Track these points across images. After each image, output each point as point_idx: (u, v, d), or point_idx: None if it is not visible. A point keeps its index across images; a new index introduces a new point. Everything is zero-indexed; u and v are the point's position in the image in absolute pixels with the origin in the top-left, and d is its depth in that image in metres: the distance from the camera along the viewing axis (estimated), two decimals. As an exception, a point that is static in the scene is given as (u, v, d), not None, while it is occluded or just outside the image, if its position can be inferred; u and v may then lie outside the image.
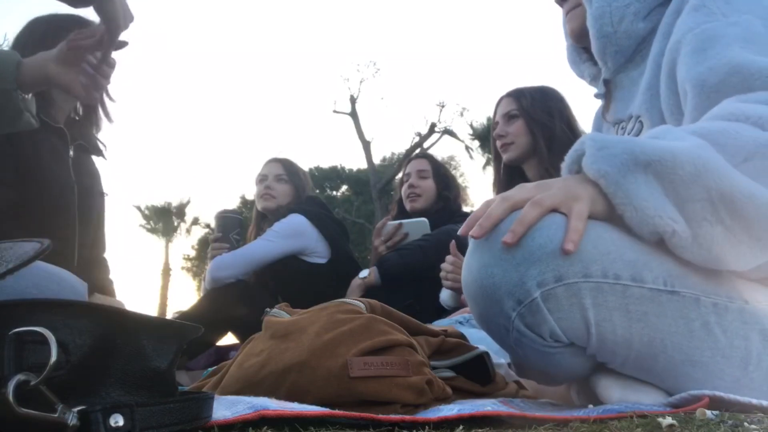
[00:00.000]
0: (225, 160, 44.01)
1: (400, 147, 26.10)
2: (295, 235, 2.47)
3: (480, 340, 1.02)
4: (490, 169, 2.20)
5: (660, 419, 0.61)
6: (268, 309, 0.99)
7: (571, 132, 1.89)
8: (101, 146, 1.71)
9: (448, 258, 1.85)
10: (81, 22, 1.51)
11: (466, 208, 2.60)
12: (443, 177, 2.54)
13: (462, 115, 23.33)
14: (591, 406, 0.75)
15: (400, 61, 41.08)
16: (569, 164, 0.80)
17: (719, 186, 0.70)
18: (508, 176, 1.98)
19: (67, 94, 1.31)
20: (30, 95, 1.17)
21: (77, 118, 1.68)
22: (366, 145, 18.57)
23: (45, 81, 1.16)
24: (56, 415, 0.47)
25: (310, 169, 20.78)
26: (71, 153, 1.59)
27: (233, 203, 23.66)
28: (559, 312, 0.72)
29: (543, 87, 2.01)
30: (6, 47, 1.52)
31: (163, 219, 25.63)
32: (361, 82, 20.15)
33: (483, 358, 0.98)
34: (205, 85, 45.87)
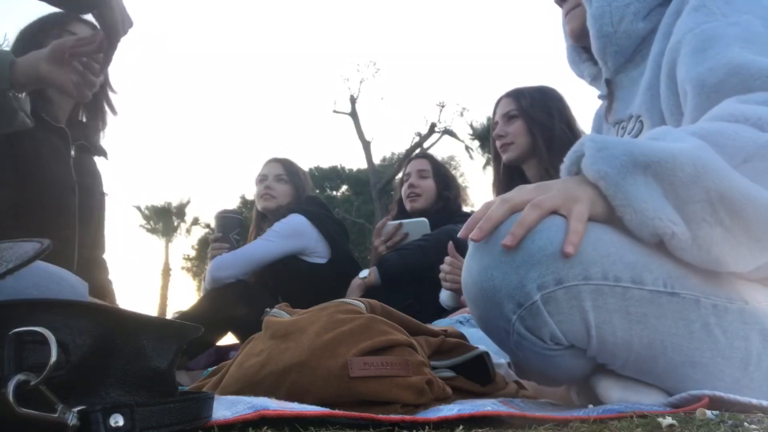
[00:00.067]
0: (225, 160, 44.07)
1: (400, 147, 26.12)
2: (295, 235, 2.47)
3: (480, 340, 1.02)
4: (490, 169, 2.18)
5: (660, 419, 0.61)
6: (268, 309, 0.99)
7: (571, 132, 1.89)
8: (103, 146, 1.71)
9: (447, 259, 1.85)
10: (68, 20, 1.52)
11: (466, 208, 2.60)
12: (443, 177, 2.54)
13: (462, 115, 23.37)
14: (591, 406, 0.75)
15: (400, 61, 41.16)
16: (568, 165, 0.80)
17: (719, 187, 0.70)
18: (507, 176, 1.98)
19: (60, 93, 1.32)
20: (24, 94, 1.17)
21: (84, 120, 1.68)
22: (366, 145, 18.57)
23: (37, 80, 1.17)
24: (56, 415, 0.47)
25: (310, 169, 20.79)
26: (72, 153, 1.59)
27: (233, 203, 23.68)
28: (559, 315, 0.72)
29: (542, 87, 2.01)
30: (6, 47, 1.52)
31: (163, 219, 25.62)
32: (361, 82, 20.18)
33: (483, 358, 0.98)
34: (205, 85, 45.91)
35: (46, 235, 0.74)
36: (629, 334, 0.73)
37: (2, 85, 1.12)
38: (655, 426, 0.60)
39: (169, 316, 3.46)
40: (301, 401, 0.74)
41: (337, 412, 0.66)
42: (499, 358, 1.05)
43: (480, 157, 19.14)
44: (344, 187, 22.69)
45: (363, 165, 19.99)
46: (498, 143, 1.96)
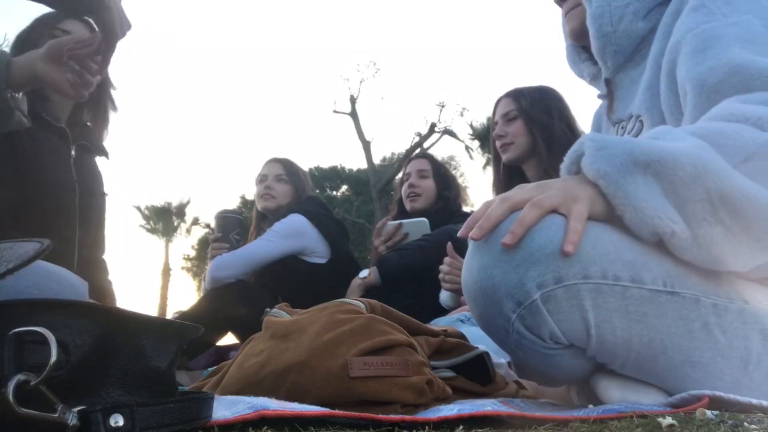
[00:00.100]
0: (225, 160, 44.07)
1: (400, 147, 26.13)
2: (295, 235, 2.47)
3: (480, 338, 1.02)
4: (490, 169, 2.18)
5: (660, 419, 0.61)
6: (268, 309, 0.99)
7: (571, 132, 1.89)
8: (104, 146, 1.71)
9: (446, 260, 1.85)
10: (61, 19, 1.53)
11: (466, 208, 2.60)
12: (443, 177, 2.54)
13: (462, 115, 23.38)
14: (591, 406, 0.75)
15: (400, 61, 41.06)
16: (568, 165, 0.80)
17: (719, 186, 0.70)
18: (507, 176, 1.98)
19: (56, 92, 1.32)
20: (21, 94, 1.18)
21: (89, 123, 1.68)
22: (366, 145, 18.58)
23: (34, 79, 1.17)
24: (56, 415, 0.47)
25: (310, 169, 20.79)
26: (73, 153, 1.59)
27: (233, 203, 23.69)
28: (558, 313, 0.72)
29: (542, 87, 2.01)
30: (6, 47, 1.53)
31: (163, 219, 25.63)
32: (361, 82, 20.20)
33: (483, 358, 0.98)
34: (205, 85, 45.91)
35: (46, 235, 0.74)
36: (629, 333, 0.73)
37: None
38: (655, 426, 0.60)
39: (169, 316, 3.46)
40: (301, 401, 0.74)
41: (337, 412, 0.66)
42: (499, 358, 1.05)
43: (480, 157, 19.16)
44: (344, 187, 22.69)
45: (363, 165, 20.01)
46: (498, 143, 1.96)
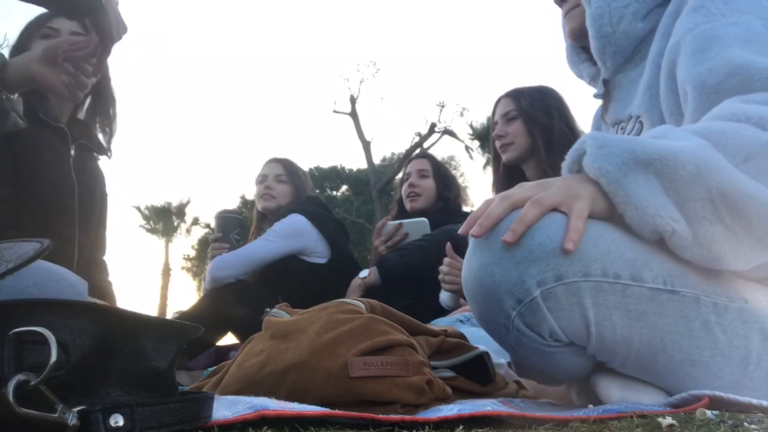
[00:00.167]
0: (225, 160, 44.08)
1: (400, 147, 26.13)
2: (295, 235, 2.47)
3: (480, 339, 1.02)
4: (490, 169, 2.18)
5: (660, 419, 0.61)
6: (268, 309, 0.99)
7: (571, 132, 1.89)
8: (104, 144, 1.71)
9: (445, 260, 1.85)
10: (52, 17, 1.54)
11: (466, 208, 2.60)
12: (443, 177, 2.54)
13: (462, 115, 23.37)
14: (591, 406, 0.75)
15: (400, 61, 41.15)
16: (570, 164, 0.80)
17: (720, 185, 0.70)
18: (507, 176, 1.98)
19: (52, 94, 1.33)
20: (16, 95, 1.18)
21: (98, 123, 1.68)
22: (366, 145, 18.58)
23: (29, 81, 1.18)
24: (56, 415, 0.47)
25: (310, 169, 20.79)
26: (72, 152, 1.58)
27: (233, 203, 23.69)
28: (558, 311, 0.72)
29: (542, 87, 2.01)
30: (6, 48, 1.53)
31: (163, 219, 25.63)
32: (361, 82, 20.20)
33: (483, 358, 0.98)
34: (205, 85, 45.92)
35: (46, 234, 0.74)
36: (629, 332, 0.73)
37: None
38: (655, 426, 0.60)
39: (169, 316, 3.46)
40: (301, 401, 0.74)
41: (337, 412, 0.66)
42: (499, 358, 1.05)
43: (480, 157, 19.17)
44: (344, 187, 22.70)
45: (363, 165, 20.01)
46: (498, 143, 1.96)
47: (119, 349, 0.53)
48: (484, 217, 0.75)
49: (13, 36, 1.57)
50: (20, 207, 1.46)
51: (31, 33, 1.56)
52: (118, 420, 0.49)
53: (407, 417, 0.68)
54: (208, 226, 22.72)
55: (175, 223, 25.90)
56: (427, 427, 0.64)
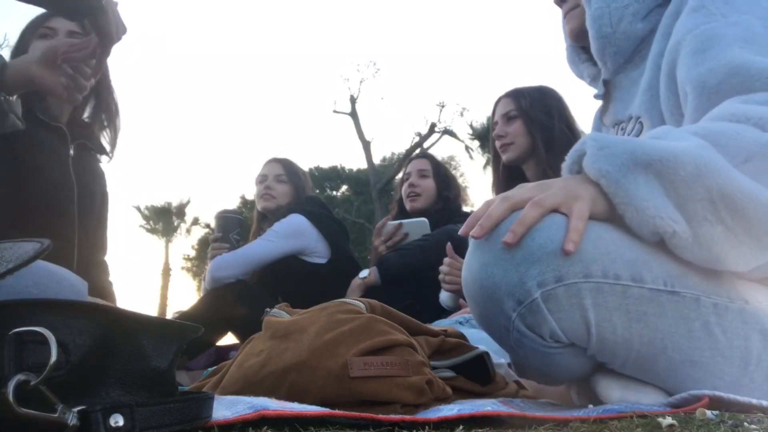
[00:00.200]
0: (225, 160, 44.08)
1: (400, 147, 26.13)
2: (295, 235, 2.47)
3: (480, 340, 1.02)
4: (490, 169, 2.19)
5: (660, 419, 0.61)
6: (268, 309, 0.99)
7: (571, 132, 1.89)
8: (106, 145, 1.71)
9: (445, 260, 1.85)
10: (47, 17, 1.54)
11: (466, 208, 2.60)
12: (443, 177, 2.54)
13: (462, 115, 23.37)
14: (591, 406, 0.75)
15: (400, 61, 41.13)
16: (570, 164, 0.80)
17: (720, 186, 0.70)
18: (507, 176, 1.98)
19: (51, 96, 1.33)
20: (15, 97, 1.18)
21: (102, 124, 1.68)
22: (366, 145, 18.58)
23: (28, 83, 1.18)
24: (56, 415, 0.47)
25: (310, 169, 20.78)
26: (71, 152, 1.58)
27: (233, 203, 23.69)
28: (559, 312, 0.72)
29: (541, 87, 2.01)
30: (6, 48, 1.54)
31: (163, 219, 25.63)
32: (361, 82, 20.20)
33: (483, 358, 0.98)
34: (205, 85, 45.92)
35: (45, 234, 0.74)
36: (629, 333, 0.73)
37: None
38: (655, 426, 0.60)
39: (169, 316, 3.46)
40: (301, 401, 0.74)
41: (337, 412, 0.66)
42: (499, 358, 1.05)
43: (480, 157, 19.16)
44: (344, 187, 22.69)
45: (363, 165, 20.01)
46: (498, 143, 1.96)
47: (119, 349, 0.53)
48: (485, 218, 0.75)
49: (13, 36, 1.58)
50: (19, 207, 1.46)
51: (29, 33, 1.56)
52: (118, 420, 0.49)
53: (407, 417, 0.68)
54: (208, 226, 22.72)
55: (175, 223, 25.90)
56: (427, 427, 0.64)
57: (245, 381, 0.83)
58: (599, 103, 1.22)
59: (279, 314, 0.96)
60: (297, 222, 2.48)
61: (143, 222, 25.82)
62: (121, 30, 1.18)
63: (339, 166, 23.07)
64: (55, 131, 1.55)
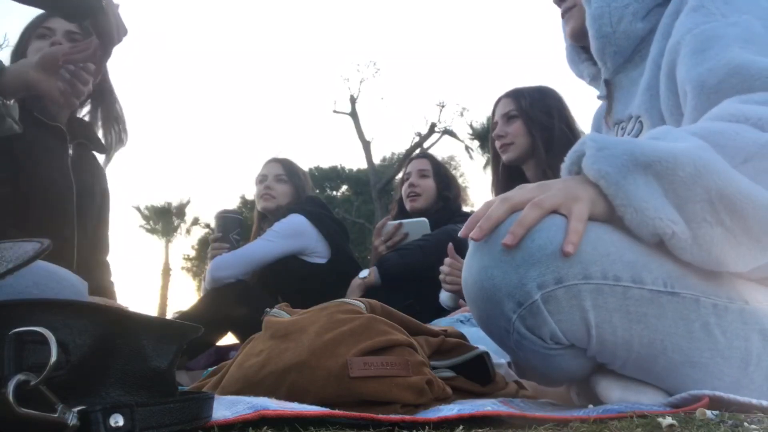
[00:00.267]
0: (225, 160, 44.08)
1: (400, 147, 26.13)
2: (295, 235, 2.47)
3: (480, 339, 1.02)
4: (490, 169, 2.19)
5: (660, 419, 0.61)
6: (268, 309, 0.99)
7: (570, 132, 1.89)
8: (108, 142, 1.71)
9: (446, 260, 1.85)
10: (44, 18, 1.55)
11: (466, 208, 2.60)
12: (443, 177, 2.54)
13: (462, 115, 23.38)
14: (591, 406, 0.75)
15: (400, 61, 41.14)
16: (569, 165, 0.80)
17: (719, 187, 0.70)
18: (507, 177, 1.98)
19: (48, 101, 1.34)
20: (12, 101, 1.19)
21: (106, 124, 1.69)
22: (366, 145, 18.58)
23: (25, 88, 1.19)
24: (56, 415, 0.47)
25: (310, 169, 20.78)
26: (71, 152, 1.58)
27: (233, 203, 23.70)
28: (559, 314, 0.72)
29: (541, 87, 2.01)
30: (6, 48, 1.54)
31: (163, 219, 25.62)
32: (361, 82, 20.23)
33: (483, 358, 0.98)
34: (205, 85, 45.92)
35: (44, 234, 0.74)
36: (629, 334, 0.73)
37: None
38: (655, 426, 0.60)
39: (169, 316, 3.46)
40: (301, 401, 0.74)
41: (337, 412, 0.66)
42: (499, 358, 1.05)
43: (480, 157, 19.16)
44: (344, 187, 22.69)
45: (363, 165, 20.00)
46: (497, 143, 1.96)
47: (119, 349, 0.53)
48: (484, 219, 0.75)
49: (13, 36, 1.58)
50: (19, 207, 1.46)
51: (28, 33, 1.57)
52: (118, 420, 0.49)
53: (407, 417, 0.68)
54: (208, 226, 22.72)
55: (175, 223, 25.90)
56: (427, 427, 0.64)
57: (245, 381, 0.83)
58: (599, 103, 1.22)
59: (279, 314, 0.96)
60: (297, 222, 2.48)
61: (143, 222, 25.84)
62: (122, 31, 1.18)
63: (339, 166, 23.07)
64: (54, 131, 1.55)
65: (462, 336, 1.05)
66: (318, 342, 0.80)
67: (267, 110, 42.50)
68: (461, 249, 0.86)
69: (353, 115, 18.64)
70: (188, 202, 26.15)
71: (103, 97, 1.67)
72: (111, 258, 1.78)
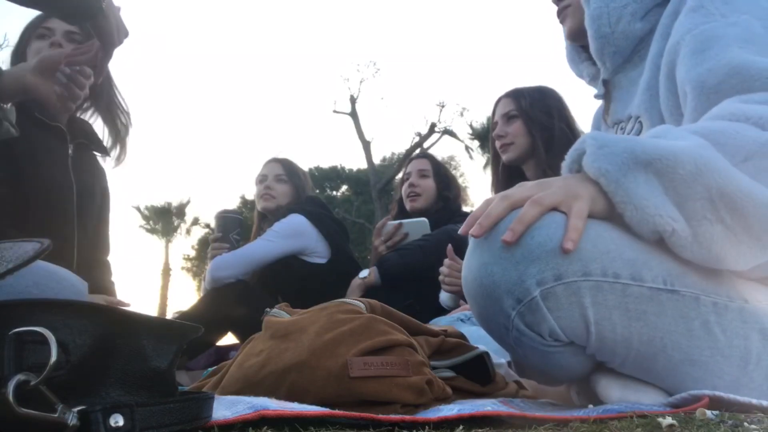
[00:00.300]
0: (225, 160, 44.08)
1: (400, 147, 26.12)
2: (295, 235, 2.47)
3: (480, 338, 1.02)
4: (490, 169, 2.19)
5: (660, 419, 0.61)
6: (268, 309, 0.99)
7: (571, 132, 1.89)
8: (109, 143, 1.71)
9: (445, 261, 1.85)
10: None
11: (466, 208, 2.60)
12: (443, 177, 2.54)
13: (462, 115, 23.38)
14: (591, 406, 0.75)
15: (400, 61, 41.14)
16: (569, 163, 0.81)
17: (720, 185, 0.70)
18: (507, 176, 1.98)
19: (45, 104, 1.35)
20: (9, 105, 1.19)
21: (112, 124, 1.69)
22: (366, 145, 18.58)
23: (23, 91, 1.20)
24: (56, 415, 0.47)
25: (310, 169, 20.78)
26: (71, 152, 1.58)
27: (233, 203, 23.70)
28: (558, 311, 0.72)
29: (541, 87, 2.01)
30: (6, 48, 1.55)
31: (163, 219, 25.62)
32: (361, 82, 20.23)
33: (483, 358, 0.98)
34: (205, 85, 45.92)
35: (44, 234, 0.74)
36: (629, 331, 0.73)
37: None
38: (655, 426, 0.60)
39: (169, 316, 3.46)
40: (301, 401, 0.74)
41: (337, 412, 0.66)
42: (499, 358, 1.05)
43: (480, 157, 19.16)
44: (344, 187, 22.69)
45: (363, 165, 20.00)
46: (497, 143, 1.96)
47: (119, 349, 0.53)
48: (484, 216, 0.75)
49: (13, 36, 1.58)
50: (19, 207, 1.46)
51: (28, 33, 1.57)
52: (118, 420, 0.49)
53: (407, 417, 0.68)
54: (208, 226, 22.72)
55: (175, 223, 25.90)
56: (427, 427, 0.64)
57: (245, 381, 0.83)
58: (599, 102, 1.22)
59: (279, 314, 0.96)
60: (297, 222, 2.48)
61: (143, 222, 25.84)
62: (123, 34, 1.19)
63: (339, 166, 23.07)
64: (54, 131, 1.55)
65: (462, 336, 1.05)
66: (318, 342, 0.80)
67: (267, 110, 42.56)
68: (461, 248, 0.86)
69: (353, 115, 18.64)
70: (188, 202, 26.18)
71: (107, 97, 1.67)
72: (111, 258, 1.78)
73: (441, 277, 1.87)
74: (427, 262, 2.10)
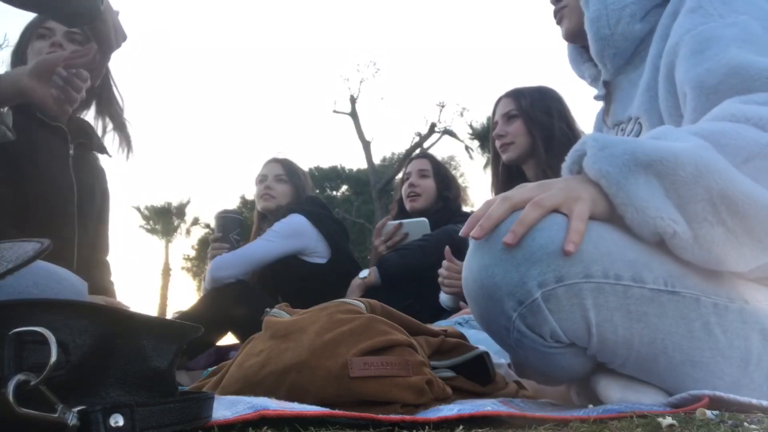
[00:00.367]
0: (225, 160, 44.09)
1: (400, 147, 26.13)
2: (295, 235, 2.47)
3: (480, 340, 1.02)
4: (490, 169, 2.19)
5: (660, 419, 0.61)
6: (268, 309, 0.99)
7: (571, 132, 1.89)
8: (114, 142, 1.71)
9: (444, 263, 1.85)
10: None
11: (466, 208, 2.60)
12: (443, 177, 2.54)
13: (462, 115, 23.36)
14: (591, 406, 0.75)
15: (400, 61, 41.09)
16: (570, 164, 0.80)
17: (720, 186, 0.70)
18: (507, 176, 1.98)
19: (41, 108, 1.35)
20: (6, 109, 1.20)
21: (112, 125, 1.69)
22: (366, 145, 18.57)
23: (19, 95, 1.20)
24: (56, 415, 0.47)
25: (310, 169, 20.78)
26: (71, 152, 1.58)
27: (233, 203, 23.70)
28: (559, 312, 0.72)
29: (542, 87, 2.01)
30: (6, 48, 1.55)
31: (163, 219, 25.63)
32: (361, 82, 20.20)
33: (483, 358, 0.98)
34: (205, 85, 45.93)
35: (44, 234, 0.74)
36: (630, 333, 0.73)
37: None
38: (655, 426, 0.60)
39: (169, 316, 3.46)
40: (301, 401, 0.74)
41: (337, 412, 0.66)
42: (500, 358, 1.05)
43: (480, 157, 19.15)
44: (344, 187, 22.68)
45: (363, 165, 20.00)
46: (498, 143, 1.96)
47: (119, 349, 0.53)
48: (485, 218, 0.75)
49: (13, 36, 1.59)
50: (19, 207, 1.46)
51: (28, 33, 1.57)
52: (118, 420, 0.49)
53: (407, 417, 0.68)
54: (208, 226, 22.72)
55: (175, 223, 25.90)
56: (427, 427, 0.64)
57: (245, 381, 0.83)
58: (599, 103, 1.22)
59: (279, 314, 0.96)
60: (297, 222, 2.48)
61: (143, 222, 25.84)
62: (121, 37, 1.19)
63: (339, 166, 23.07)
64: (54, 131, 1.55)
65: (462, 336, 1.05)
66: (318, 342, 0.80)
67: (267, 110, 42.57)
68: (462, 249, 0.86)
69: (353, 115, 18.64)
70: (188, 202, 26.18)
71: (106, 100, 1.67)
72: (111, 258, 1.78)
73: (440, 279, 1.87)
74: (427, 262, 2.10)
